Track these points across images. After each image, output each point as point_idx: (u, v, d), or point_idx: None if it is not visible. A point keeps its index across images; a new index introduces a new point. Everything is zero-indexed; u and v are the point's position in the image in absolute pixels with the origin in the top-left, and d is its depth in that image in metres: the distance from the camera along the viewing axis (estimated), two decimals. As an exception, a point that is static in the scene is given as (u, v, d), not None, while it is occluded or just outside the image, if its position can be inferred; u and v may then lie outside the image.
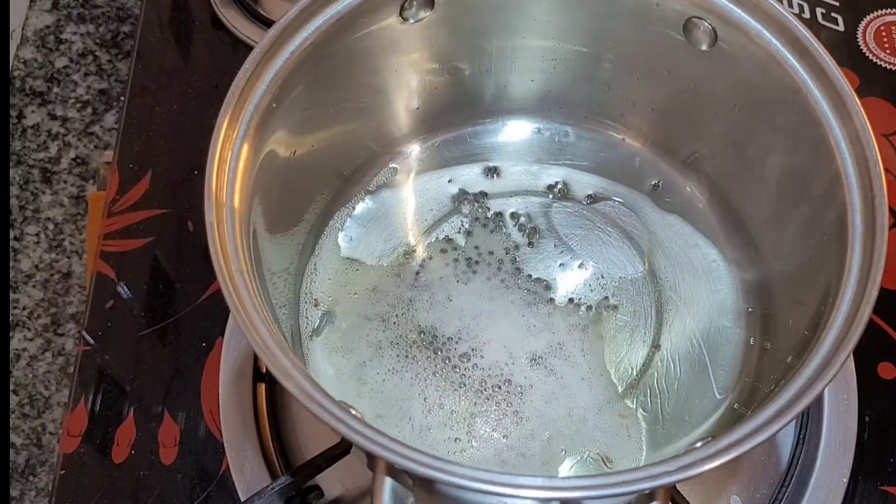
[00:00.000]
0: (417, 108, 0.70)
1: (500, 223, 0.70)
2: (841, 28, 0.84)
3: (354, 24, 0.59)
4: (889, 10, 0.84)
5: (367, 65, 0.64)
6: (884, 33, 0.83)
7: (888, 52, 0.82)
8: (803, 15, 0.83)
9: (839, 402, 0.67)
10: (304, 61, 0.57)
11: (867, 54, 0.83)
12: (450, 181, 0.71)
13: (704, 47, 0.60)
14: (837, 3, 0.84)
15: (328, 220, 0.69)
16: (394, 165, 0.72)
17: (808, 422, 0.67)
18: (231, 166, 0.53)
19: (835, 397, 0.67)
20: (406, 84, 0.68)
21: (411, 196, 0.71)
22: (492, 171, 0.72)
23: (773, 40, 0.57)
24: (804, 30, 0.55)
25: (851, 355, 0.68)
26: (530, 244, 0.69)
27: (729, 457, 0.45)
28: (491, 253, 0.69)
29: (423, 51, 0.66)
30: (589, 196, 0.71)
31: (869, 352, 0.70)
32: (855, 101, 0.54)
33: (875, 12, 0.84)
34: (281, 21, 0.56)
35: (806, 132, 0.56)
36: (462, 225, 0.70)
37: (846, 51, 0.83)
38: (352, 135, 0.67)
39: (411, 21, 0.62)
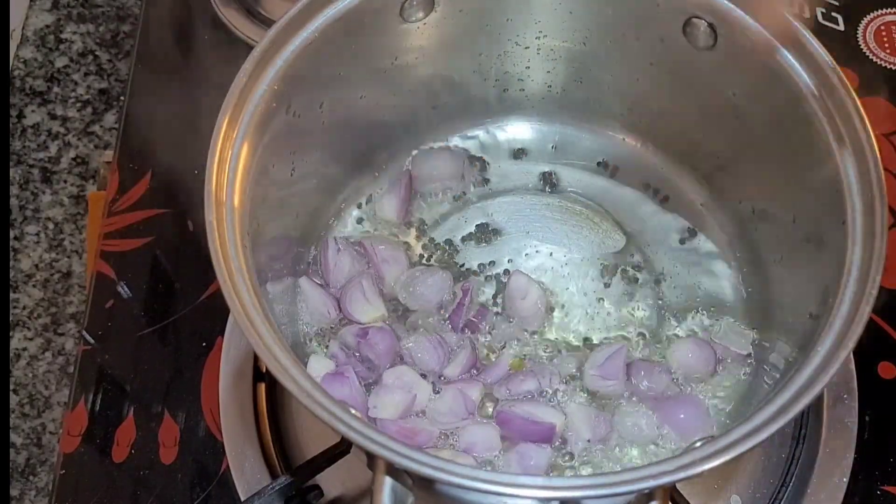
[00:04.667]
0: (418, 109, 0.70)
1: (499, 222, 0.70)
2: (841, 28, 0.84)
3: (355, 24, 0.59)
4: (889, 10, 0.84)
5: (368, 65, 0.64)
6: (884, 33, 0.83)
7: (888, 51, 0.82)
8: (803, 15, 0.83)
9: (839, 402, 0.67)
10: (304, 62, 0.57)
11: (867, 54, 0.83)
12: (451, 181, 0.71)
13: (704, 47, 0.60)
14: (837, 3, 0.84)
15: (327, 220, 0.69)
16: (395, 164, 0.72)
17: (808, 422, 0.67)
18: (231, 166, 0.53)
19: (835, 397, 0.67)
20: (407, 84, 0.67)
21: (411, 194, 0.71)
22: (492, 170, 0.72)
23: (773, 40, 0.57)
24: (804, 30, 0.55)
25: (852, 355, 0.68)
26: (509, 244, 0.69)
27: (728, 456, 0.45)
28: (491, 263, 0.69)
29: (424, 51, 0.65)
30: (588, 194, 0.71)
31: (869, 352, 0.70)
32: (855, 101, 0.54)
33: (875, 12, 0.84)
34: (281, 21, 0.56)
35: (806, 131, 0.56)
36: (463, 226, 0.70)
37: (846, 50, 0.82)
38: (352, 135, 0.67)
39: (412, 21, 0.62)
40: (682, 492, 0.59)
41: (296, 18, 0.56)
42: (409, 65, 0.66)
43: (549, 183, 0.72)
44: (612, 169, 0.72)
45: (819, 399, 0.67)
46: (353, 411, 0.47)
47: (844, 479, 0.65)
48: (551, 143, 0.73)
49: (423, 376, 0.63)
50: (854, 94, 0.54)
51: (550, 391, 0.63)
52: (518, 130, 0.74)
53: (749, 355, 0.64)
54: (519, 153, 0.73)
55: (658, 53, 0.64)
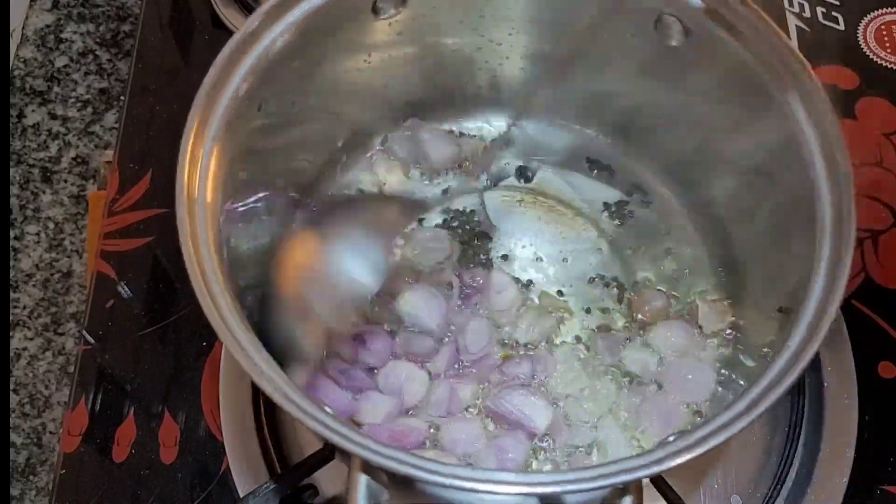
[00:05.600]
0: (392, 105, 0.70)
1: (473, 219, 0.71)
2: (841, 27, 0.84)
3: (326, 21, 0.59)
4: (889, 10, 0.84)
5: (341, 62, 0.63)
6: (884, 32, 0.83)
7: (888, 51, 0.82)
8: (803, 14, 0.83)
9: (839, 402, 0.67)
10: (275, 60, 0.57)
11: (867, 53, 0.83)
12: (423, 178, 0.72)
13: (675, 43, 0.60)
14: (838, 3, 0.84)
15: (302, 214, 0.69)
16: (369, 160, 0.72)
17: (808, 422, 0.67)
18: (203, 164, 0.53)
19: (835, 397, 0.67)
20: (380, 81, 0.67)
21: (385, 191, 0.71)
22: (467, 168, 0.72)
23: (744, 36, 0.56)
24: (772, 25, 0.55)
25: (851, 355, 0.68)
26: (490, 238, 0.70)
27: (700, 451, 0.45)
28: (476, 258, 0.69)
29: (397, 47, 0.65)
30: (562, 189, 0.71)
31: (869, 352, 0.70)
32: (823, 94, 0.53)
33: (875, 12, 0.84)
34: (250, 20, 0.55)
35: (776, 126, 0.56)
36: (442, 222, 0.70)
37: (846, 50, 0.82)
38: (325, 132, 0.67)
39: (384, 17, 0.62)
40: (679, 492, 0.59)
41: (266, 18, 0.56)
42: (383, 61, 0.65)
43: (524, 177, 0.72)
44: (586, 164, 0.72)
45: (819, 398, 0.67)
46: (328, 409, 0.47)
47: (844, 479, 0.65)
48: (526, 139, 0.73)
49: (421, 366, 0.64)
50: (821, 86, 0.53)
51: (545, 376, 0.63)
52: (493, 126, 0.74)
53: (731, 328, 0.65)
54: (493, 149, 0.73)
55: (630, 50, 0.63)
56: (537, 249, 0.70)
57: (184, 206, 0.51)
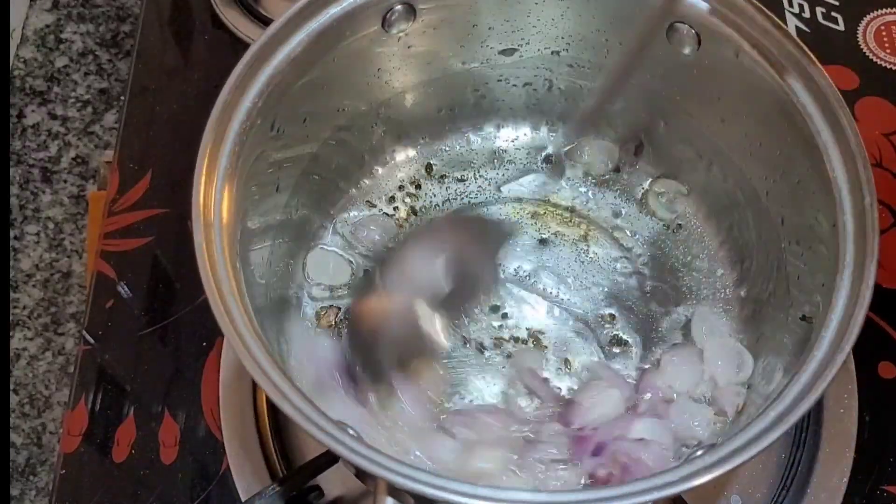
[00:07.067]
0: (401, 117, 0.70)
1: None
2: (841, 28, 0.84)
3: (337, 38, 0.59)
4: (889, 10, 0.84)
5: (351, 77, 0.64)
6: (884, 33, 0.83)
7: (888, 51, 0.82)
8: (803, 14, 0.83)
9: (839, 402, 0.67)
10: (287, 77, 0.57)
11: (867, 54, 0.83)
12: (437, 192, 0.71)
13: (688, 51, 0.60)
14: (837, 3, 0.84)
15: (317, 231, 0.69)
16: (381, 173, 0.72)
17: (809, 422, 0.67)
18: (217, 187, 0.53)
19: (835, 397, 0.67)
20: (389, 94, 0.67)
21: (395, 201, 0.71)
22: (478, 178, 0.72)
23: (755, 40, 0.56)
24: (785, 29, 0.55)
25: (851, 356, 0.68)
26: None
27: (732, 465, 0.45)
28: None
29: (408, 61, 0.65)
30: (579, 204, 0.71)
31: (869, 352, 0.70)
32: (839, 98, 0.53)
33: (875, 12, 0.84)
34: (262, 37, 0.55)
35: (792, 132, 0.56)
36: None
37: (846, 50, 0.83)
38: (336, 146, 0.67)
39: (394, 32, 0.62)
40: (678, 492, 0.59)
41: (277, 34, 0.56)
42: (392, 75, 0.65)
43: (536, 185, 0.71)
44: (598, 178, 0.72)
45: (819, 400, 0.67)
46: (350, 431, 0.47)
47: (844, 480, 0.65)
48: (537, 149, 0.73)
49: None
50: (839, 94, 0.53)
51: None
52: (504, 138, 0.73)
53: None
54: (505, 160, 0.73)
55: (641, 59, 0.63)
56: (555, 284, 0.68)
57: (200, 230, 0.51)
